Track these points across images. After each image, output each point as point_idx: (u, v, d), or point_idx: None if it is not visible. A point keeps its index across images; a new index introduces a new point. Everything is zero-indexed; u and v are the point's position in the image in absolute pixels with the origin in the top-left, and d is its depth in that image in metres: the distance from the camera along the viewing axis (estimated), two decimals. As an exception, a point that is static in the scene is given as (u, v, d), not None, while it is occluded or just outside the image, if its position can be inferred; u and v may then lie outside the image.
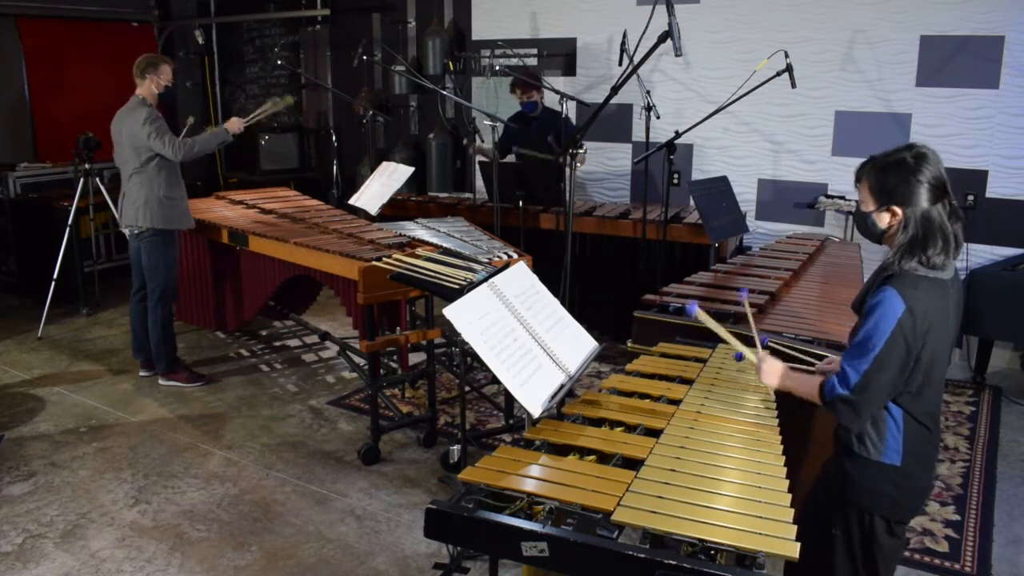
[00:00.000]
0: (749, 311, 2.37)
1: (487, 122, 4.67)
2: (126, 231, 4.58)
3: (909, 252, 1.93)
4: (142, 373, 4.85)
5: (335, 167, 7.35)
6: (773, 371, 2.17)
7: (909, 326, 1.89)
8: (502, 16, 6.53)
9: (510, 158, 5.29)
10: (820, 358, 2.54)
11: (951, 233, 1.94)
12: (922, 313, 1.90)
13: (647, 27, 3.33)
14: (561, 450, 2.04)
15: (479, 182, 5.69)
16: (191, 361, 5.02)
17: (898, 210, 1.94)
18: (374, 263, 3.55)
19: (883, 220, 1.98)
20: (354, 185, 6.19)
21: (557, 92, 4.83)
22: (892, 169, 1.95)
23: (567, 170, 3.68)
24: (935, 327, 1.93)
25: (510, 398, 4.03)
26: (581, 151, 3.76)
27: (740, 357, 2.50)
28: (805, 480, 2.34)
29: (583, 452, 2.02)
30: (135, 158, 4.36)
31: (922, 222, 1.92)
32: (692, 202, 4.92)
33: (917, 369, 1.95)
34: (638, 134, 6.03)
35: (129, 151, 4.38)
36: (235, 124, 4.61)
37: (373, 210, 4.78)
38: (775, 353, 2.69)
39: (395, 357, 4.67)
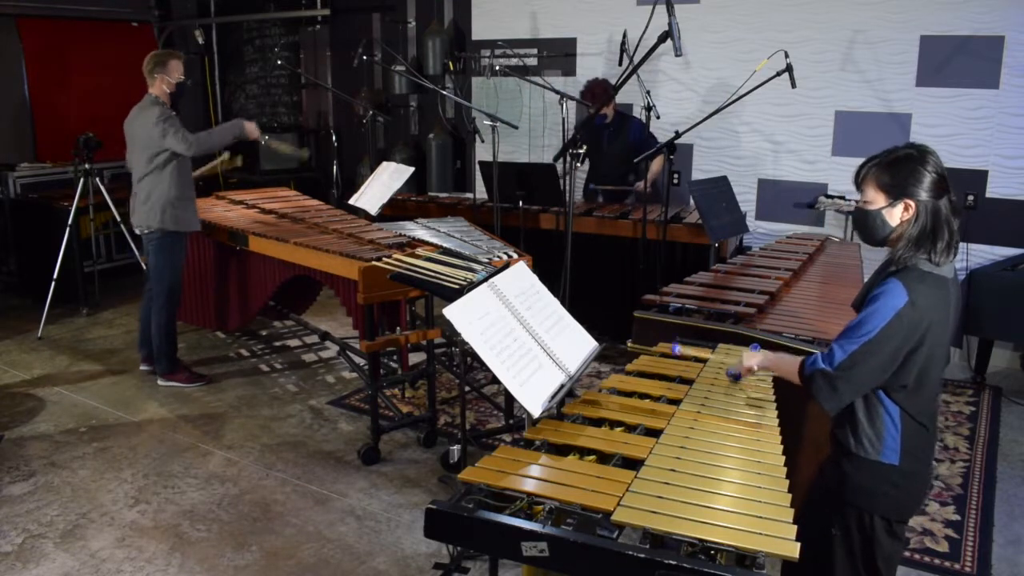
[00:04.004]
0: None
1: (487, 122, 4.66)
2: (138, 231, 4.56)
3: (917, 245, 1.94)
4: (142, 367, 4.87)
5: (335, 167, 7.34)
6: (755, 353, 2.25)
7: (908, 318, 1.90)
8: (502, 16, 6.53)
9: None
10: None
11: (955, 228, 1.97)
12: (924, 308, 1.90)
13: (647, 27, 3.33)
14: (561, 450, 2.04)
15: (479, 182, 5.69)
16: (191, 361, 5.02)
17: (911, 203, 1.95)
18: (374, 263, 3.55)
19: (894, 216, 1.97)
20: (354, 185, 6.18)
21: (557, 92, 4.83)
22: (900, 164, 1.96)
23: (569, 170, 3.68)
24: (935, 325, 1.93)
25: (510, 398, 4.03)
26: (582, 151, 3.75)
27: (738, 377, 2.51)
28: (801, 483, 2.34)
29: (583, 452, 2.02)
30: (147, 159, 4.34)
31: (932, 214, 1.94)
32: (692, 202, 4.91)
33: (912, 365, 1.95)
34: (638, 134, 6.03)
35: (140, 152, 4.35)
36: (252, 127, 4.58)
37: (373, 210, 4.78)
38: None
39: (395, 357, 4.67)
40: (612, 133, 5.38)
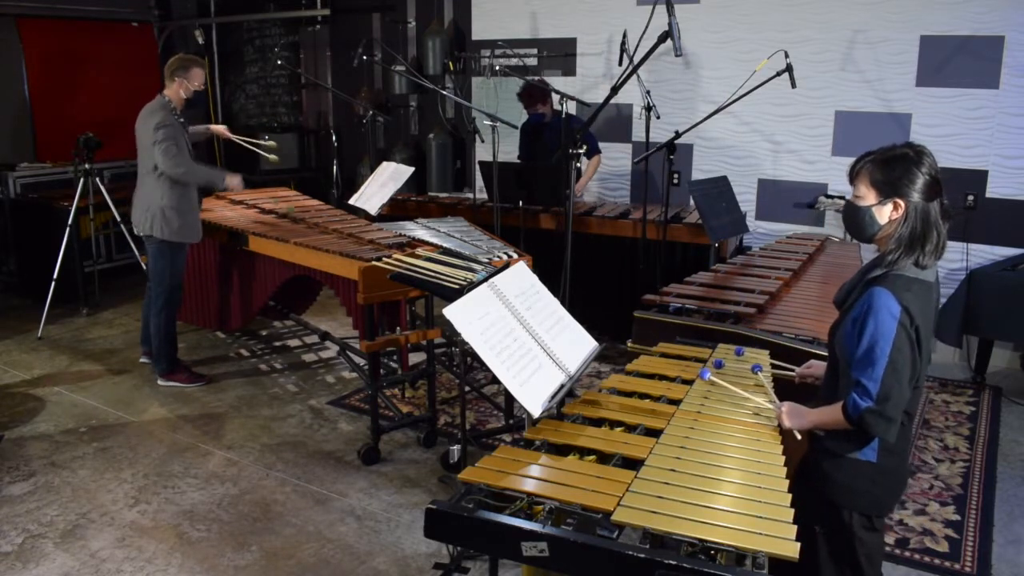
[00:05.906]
0: (768, 384, 2.37)
1: (487, 122, 4.67)
2: (137, 232, 4.55)
3: (909, 247, 1.95)
4: (143, 360, 4.90)
5: (335, 167, 7.34)
6: (795, 412, 2.13)
7: (909, 325, 1.91)
8: (502, 16, 6.53)
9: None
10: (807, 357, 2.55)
11: (942, 232, 1.97)
12: (916, 314, 1.92)
13: (647, 27, 3.33)
14: (561, 450, 2.04)
15: (479, 182, 5.69)
16: (191, 361, 5.02)
17: (901, 202, 1.95)
18: (374, 263, 3.55)
19: (884, 214, 1.98)
20: (354, 185, 6.18)
21: (557, 92, 4.83)
22: (895, 162, 1.96)
23: (571, 170, 3.68)
24: (922, 328, 1.94)
25: (510, 398, 4.03)
26: (582, 151, 3.75)
27: (720, 364, 2.51)
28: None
29: (583, 452, 2.02)
30: (145, 160, 4.34)
31: (921, 216, 1.94)
32: (692, 202, 4.92)
33: None
34: (638, 134, 6.03)
35: (141, 152, 4.37)
36: (235, 180, 4.56)
37: (373, 210, 4.78)
38: (774, 355, 2.71)
39: (395, 357, 4.67)
40: (553, 132, 5.37)
